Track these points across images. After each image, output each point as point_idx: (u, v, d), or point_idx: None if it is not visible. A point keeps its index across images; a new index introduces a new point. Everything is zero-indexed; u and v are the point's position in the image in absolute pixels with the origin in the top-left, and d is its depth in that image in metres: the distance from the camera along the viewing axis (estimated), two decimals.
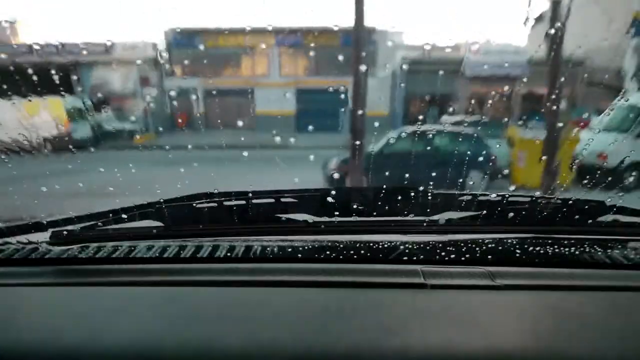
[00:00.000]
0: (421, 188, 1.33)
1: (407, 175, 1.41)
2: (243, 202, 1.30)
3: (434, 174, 1.34)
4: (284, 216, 1.32)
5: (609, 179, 1.38)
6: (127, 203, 1.32)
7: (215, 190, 1.32)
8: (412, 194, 1.33)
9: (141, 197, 1.35)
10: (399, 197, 1.32)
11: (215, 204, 1.31)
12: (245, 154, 1.31)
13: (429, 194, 1.32)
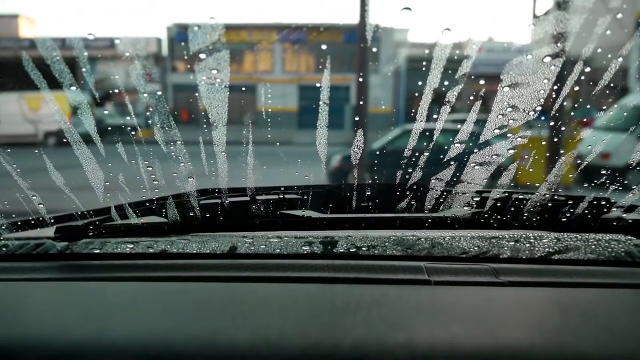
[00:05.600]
0: (425, 184, 1.33)
1: (410, 171, 1.40)
2: (247, 198, 1.30)
3: (437, 171, 1.33)
4: (288, 212, 1.32)
5: (613, 177, 1.37)
6: (131, 198, 1.33)
7: (219, 186, 1.32)
8: (416, 190, 1.33)
9: (145, 193, 1.35)
10: (403, 194, 1.32)
11: (219, 200, 1.31)
12: (247, 149, 1.31)
13: (433, 191, 1.32)
